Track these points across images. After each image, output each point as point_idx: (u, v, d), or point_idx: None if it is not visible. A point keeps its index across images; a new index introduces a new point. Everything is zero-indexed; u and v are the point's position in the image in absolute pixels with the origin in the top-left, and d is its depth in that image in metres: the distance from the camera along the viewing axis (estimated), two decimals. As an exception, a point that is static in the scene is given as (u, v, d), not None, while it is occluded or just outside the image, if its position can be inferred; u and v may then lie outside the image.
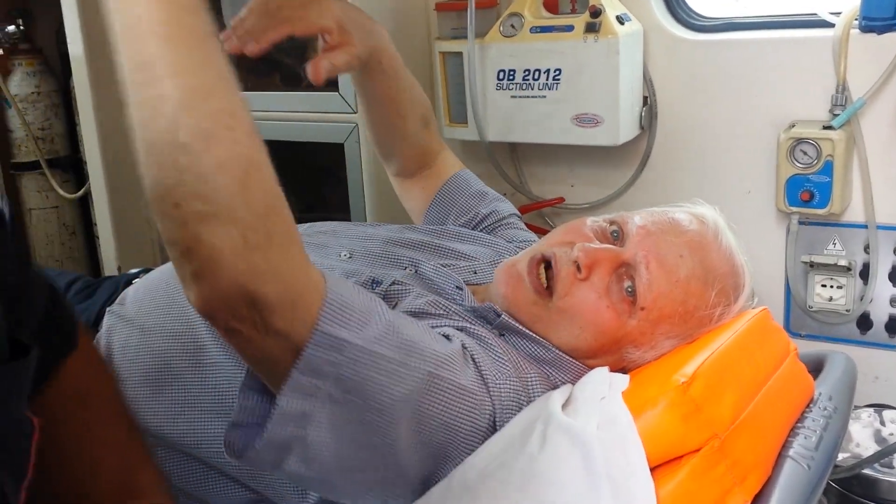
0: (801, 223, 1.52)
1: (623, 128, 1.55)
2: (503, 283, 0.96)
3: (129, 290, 1.07)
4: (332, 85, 1.65)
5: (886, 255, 1.50)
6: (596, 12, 1.49)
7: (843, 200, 1.47)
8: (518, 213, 1.30)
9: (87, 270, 2.54)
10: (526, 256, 0.97)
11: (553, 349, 0.94)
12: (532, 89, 1.58)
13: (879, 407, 1.44)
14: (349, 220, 1.72)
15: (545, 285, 0.94)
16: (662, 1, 1.62)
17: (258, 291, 0.65)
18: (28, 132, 2.39)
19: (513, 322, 0.94)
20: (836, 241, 1.53)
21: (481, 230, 1.24)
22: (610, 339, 0.92)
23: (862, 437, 1.37)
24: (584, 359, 0.94)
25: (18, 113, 2.38)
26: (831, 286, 1.54)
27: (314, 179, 1.94)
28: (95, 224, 2.19)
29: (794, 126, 1.49)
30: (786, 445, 0.85)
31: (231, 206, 0.63)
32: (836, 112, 1.45)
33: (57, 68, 2.45)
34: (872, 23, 1.27)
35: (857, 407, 1.42)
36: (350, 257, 1.07)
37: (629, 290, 0.91)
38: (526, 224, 1.32)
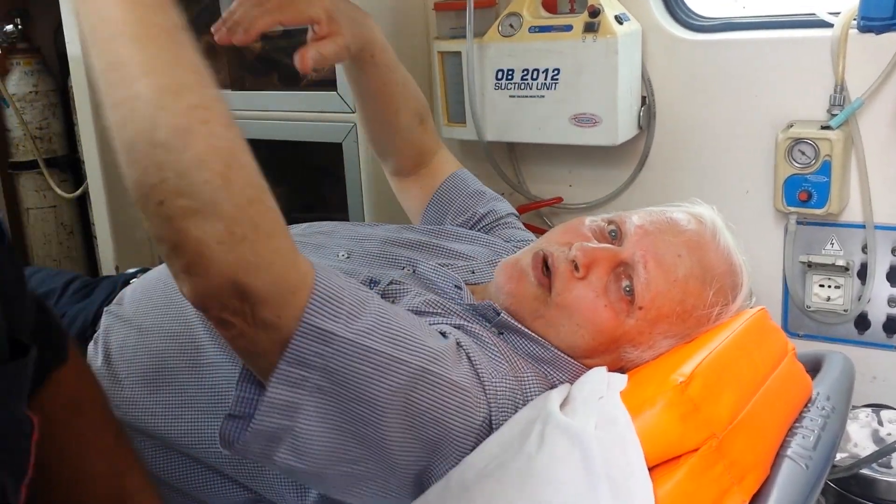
0: (799, 223, 1.52)
1: (621, 128, 1.55)
2: (506, 278, 0.97)
3: (127, 290, 1.07)
4: (330, 85, 1.66)
5: (884, 254, 1.50)
6: (594, 12, 1.49)
7: (841, 200, 1.48)
8: (516, 212, 1.30)
9: (85, 270, 2.54)
10: (528, 253, 0.97)
11: (552, 348, 0.94)
12: (531, 89, 1.58)
13: (877, 407, 1.44)
14: (347, 219, 1.72)
15: (548, 280, 0.94)
16: (661, 1, 1.62)
17: (246, 283, 0.66)
18: (26, 131, 2.39)
19: (512, 320, 0.94)
20: (834, 241, 1.53)
21: (479, 230, 1.24)
22: (608, 338, 0.92)
23: (860, 437, 1.37)
24: (582, 358, 0.94)
25: (16, 112, 2.38)
26: (829, 286, 1.54)
27: (312, 179, 1.94)
28: (93, 224, 2.19)
29: (792, 126, 1.49)
30: (784, 445, 0.85)
31: (214, 200, 0.63)
32: (835, 112, 1.45)
33: (55, 68, 2.45)
34: (871, 23, 1.27)
35: (854, 407, 1.43)
36: (348, 257, 1.07)
37: (627, 289, 0.91)
38: (524, 224, 1.32)
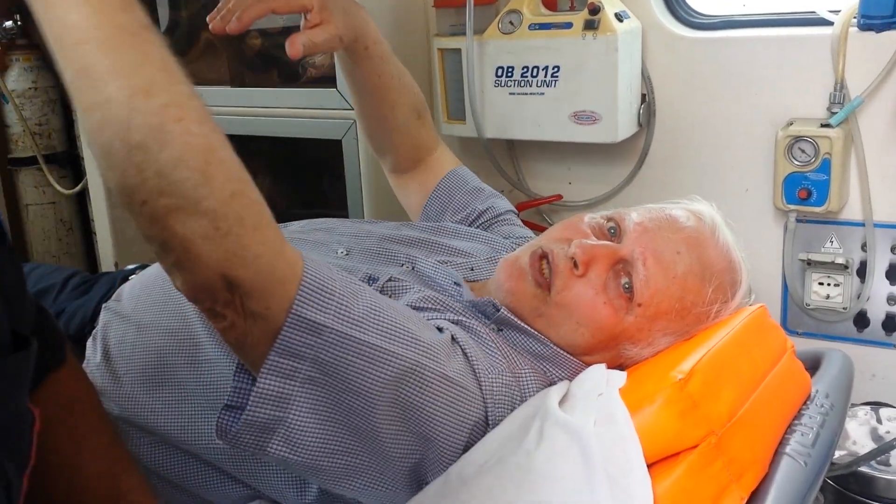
0: (798, 221, 1.52)
1: (621, 125, 1.55)
2: (506, 276, 0.97)
3: (126, 287, 1.07)
4: (330, 81, 1.65)
5: (884, 252, 1.50)
6: (594, 9, 1.49)
7: (841, 198, 1.48)
8: (514, 209, 1.30)
9: (84, 266, 2.54)
10: (527, 251, 0.97)
11: (551, 345, 0.94)
12: (530, 86, 1.58)
13: (876, 405, 1.44)
14: (347, 216, 1.72)
15: (546, 278, 0.94)
16: (661, -2, 1.63)
17: (235, 275, 0.66)
18: (25, 128, 2.39)
19: (511, 317, 0.94)
20: (833, 238, 1.53)
21: (478, 227, 1.24)
22: (607, 335, 0.92)
23: (858, 435, 1.37)
24: (581, 355, 0.94)
25: (16, 108, 2.38)
26: (828, 284, 1.54)
27: (312, 176, 1.94)
28: (92, 220, 2.19)
29: (792, 124, 1.49)
30: (783, 442, 0.85)
31: (196, 197, 0.63)
32: (835, 110, 1.45)
33: (54, 64, 2.45)
34: (871, 21, 1.27)
35: (853, 405, 1.43)
36: (347, 254, 1.07)
37: (626, 286, 0.91)
38: (524, 221, 1.32)
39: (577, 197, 1.78)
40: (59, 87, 2.44)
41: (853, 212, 1.51)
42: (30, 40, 2.39)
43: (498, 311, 0.94)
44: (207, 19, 0.99)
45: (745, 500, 0.79)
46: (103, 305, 1.05)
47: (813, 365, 1.01)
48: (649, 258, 0.91)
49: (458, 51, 1.63)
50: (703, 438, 0.78)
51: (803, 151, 1.46)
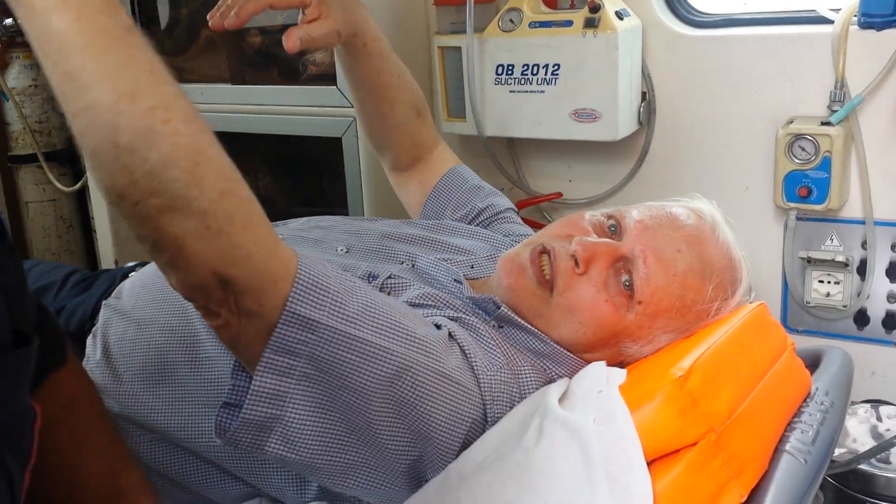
0: (798, 219, 1.52)
1: (621, 123, 1.55)
2: (506, 273, 0.97)
3: (126, 284, 1.07)
4: (330, 79, 1.65)
5: (884, 250, 1.50)
6: (595, 7, 1.49)
7: (841, 196, 1.48)
8: (514, 207, 1.30)
9: (84, 264, 2.54)
10: (527, 248, 0.97)
11: (551, 343, 0.94)
12: (531, 84, 1.58)
13: (876, 402, 1.44)
14: (347, 214, 1.72)
15: (547, 277, 0.94)
16: (661, -4, 1.62)
17: (227, 274, 0.66)
18: (25, 125, 2.39)
19: (511, 314, 0.94)
20: (833, 236, 1.53)
21: (478, 224, 1.24)
22: (608, 332, 0.92)
23: (858, 433, 1.37)
24: (581, 353, 0.94)
25: (16, 106, 2.38)
26: (829, 282, 1.54)
27: (312, 173, 1.94)
28: (92, 217, 2.19)
29: (792, 122, 1.49)
30: (782, 440, 0.85)
31: (186, 196, 0.64)
32: (835, 108, 1.45)
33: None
34: (871, 19, 1.27)
35: (853, 402, 1.43)
36: (347, 252, 1.07)
37: (627, 284, 0.91)
38: (523, 219, 1.32)
39: (578, 195, 1.78)
40: (59, 85, 2.44)
41: (853, 210, 1.51)
42: (30, 38, 2.39)
43: (498, 308, 0.94)
44: (207, 16, 1.00)
45: (745, 498, 0.78)
46: (103, 303, 1.05)
47: (813, 362, 1.01)
48: (650, 256, 0.91)
49: (458, 49, 1.63)
50: (703, 436, 0.78)
51: (804, 149, 1.46)
